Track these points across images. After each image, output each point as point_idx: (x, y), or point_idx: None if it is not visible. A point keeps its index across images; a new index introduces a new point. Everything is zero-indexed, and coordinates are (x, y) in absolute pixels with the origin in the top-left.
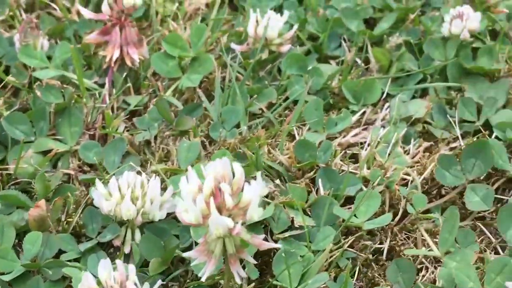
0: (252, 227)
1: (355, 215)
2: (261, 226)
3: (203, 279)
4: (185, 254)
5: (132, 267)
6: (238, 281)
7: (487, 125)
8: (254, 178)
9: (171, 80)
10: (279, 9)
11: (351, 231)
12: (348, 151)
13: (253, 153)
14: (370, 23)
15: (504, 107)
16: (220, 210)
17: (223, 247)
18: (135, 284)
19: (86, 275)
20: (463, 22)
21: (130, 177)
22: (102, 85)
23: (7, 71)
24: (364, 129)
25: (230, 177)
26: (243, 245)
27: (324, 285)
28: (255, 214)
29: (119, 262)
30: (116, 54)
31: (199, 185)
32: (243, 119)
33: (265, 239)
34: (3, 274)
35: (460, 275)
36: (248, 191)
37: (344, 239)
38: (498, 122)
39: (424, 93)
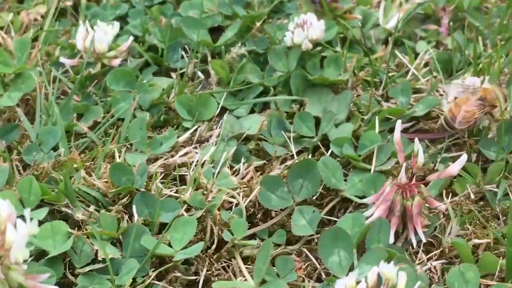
0: (51, 262)
1: (170, 244)
2: (62, 261)
3: None
4: None
5: None
6: None
7: (328, 140)
8: (66, 206)
9: None
10: (123, 18)
11: (166, 262)
12: (175, 173)
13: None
14: (221, 30)
15: (348, 119)
16: None
17: None
18: None
19: None
20: (305, 31)
21: None
22: None
23: None
24: (196, 148)
25: None
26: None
27: None
28: (20, 255)
29: None
30: None
31: None
32: (62, 140)
33: (64, 275)
34: None
35: None
36: (10, 232)
37: (153, 271)
38: (335, 137)
39: (266, 106)
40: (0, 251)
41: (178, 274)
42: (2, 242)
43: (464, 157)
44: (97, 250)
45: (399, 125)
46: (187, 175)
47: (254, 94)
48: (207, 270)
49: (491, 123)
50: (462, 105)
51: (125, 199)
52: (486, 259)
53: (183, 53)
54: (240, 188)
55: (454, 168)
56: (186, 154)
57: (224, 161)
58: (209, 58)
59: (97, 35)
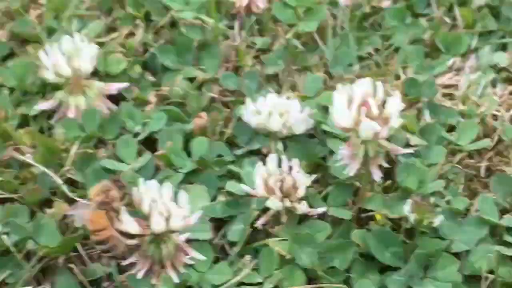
0: None
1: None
2: None
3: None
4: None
5: (296, 161)
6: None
7: None
8: None
9: (288, 26)
10: None
11: (454, 152)
12: (443, 91)
13: None
14: None
15: None
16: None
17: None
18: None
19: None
20: None
21: (272, 99)
22: (230, 27)
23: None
24: (456, 75)
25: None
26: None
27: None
28: (395, 123)
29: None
30: (245, 1)
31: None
32: (355, 60)
33: None
34: (179, 168)
35: None
36: (390, 105)
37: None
38: None
39: (504, 48)
40: (378, 119)
41: (468, 161)
42: (379, 112)
43: None
44: (407, 138)
45: None
46: (454, 93)
47: (496, 37)
48: (487, 162)
49: None
50: None
51: (416, 105)
52: None
53: (432, 1)
54: (501, 105)
55: None
56: (450, 78)
57: (486, 84)
58: (456, 7)
59: None
